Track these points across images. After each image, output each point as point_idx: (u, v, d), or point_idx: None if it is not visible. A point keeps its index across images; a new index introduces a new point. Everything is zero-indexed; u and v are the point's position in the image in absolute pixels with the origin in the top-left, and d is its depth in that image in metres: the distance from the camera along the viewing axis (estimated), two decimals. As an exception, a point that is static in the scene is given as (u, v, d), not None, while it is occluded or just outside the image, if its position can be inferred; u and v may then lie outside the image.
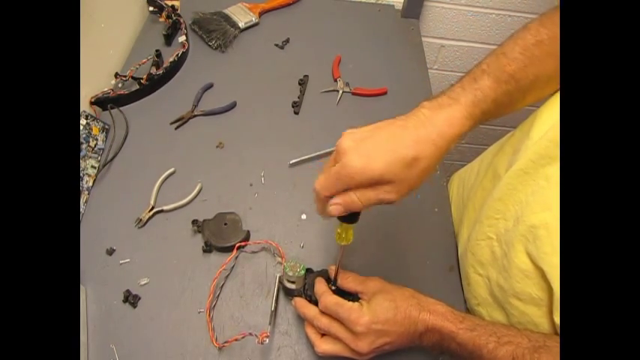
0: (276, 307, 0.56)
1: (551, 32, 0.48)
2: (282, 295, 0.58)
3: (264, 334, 0.50)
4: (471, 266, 0.60)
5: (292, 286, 0.54)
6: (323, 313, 0.50)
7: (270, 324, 0.54)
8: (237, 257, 0.61)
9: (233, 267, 0.60)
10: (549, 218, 0.46)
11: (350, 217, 0.45)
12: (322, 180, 0.43)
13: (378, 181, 0.40)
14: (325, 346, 0.50)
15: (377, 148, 0.41)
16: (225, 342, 0.52)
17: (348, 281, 0.53)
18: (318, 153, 0.71)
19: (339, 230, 0.49)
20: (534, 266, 0.48)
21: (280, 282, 0.56)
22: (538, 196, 0.49)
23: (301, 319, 0.56)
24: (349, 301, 0.50)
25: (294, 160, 0.70)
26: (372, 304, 0.48)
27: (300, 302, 0.53)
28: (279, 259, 0.60)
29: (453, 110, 0.43)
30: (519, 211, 0.51)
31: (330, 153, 0.71)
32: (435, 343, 0.48)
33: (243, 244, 0.61)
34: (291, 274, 0.53)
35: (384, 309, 0.48)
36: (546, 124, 0.51)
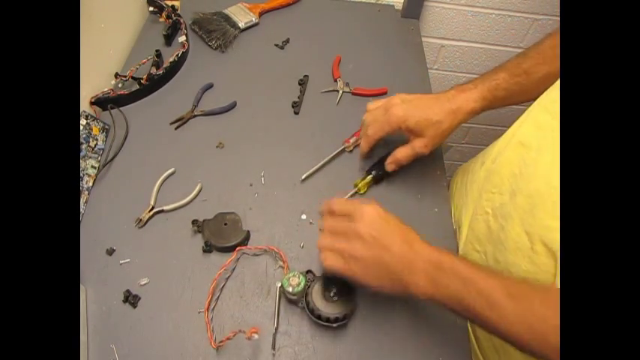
0: (278, 311, 0.56)
1: None
2: (283, 295, 0.58)
3: (253, 330, 0.49)
4: (469, 243, 0.62)
5: (293, 298, 0.55)
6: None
7: (275, 327, 0.54)
8: (238, 259, 0.61)
9: (234, 268, 0.60)
10: (542, 186, 0.49)
11: (378, 178, 0.68)
12: (370, 118, 0.64)
13: (412, 131, 0.60)
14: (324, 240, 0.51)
15: (415, 108, 0.60)
16: (220, 342, 0.52)
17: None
18: (324, 160, 0.71)
19: (359, 182, 0.68)
20: (528, 239, 0.50)
21: (282, 291, 0.56)
22: (531, 167, 0.52)
23: (301, 320, 0.56)
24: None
25: (305, 175, 0.69)
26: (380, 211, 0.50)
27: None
28: (281, 263, 0.60)
29: (472, 93, 0.60)
30: (514, 185, 0.54)
31: (333, 157, 0.71)
32: (429, 277, 0.45)
33: (243, 248, 0.60)
34: (290, 289, 0.53)
35: (389, 220, 0.50)
36: (541, 104, 0.56)
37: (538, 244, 0.49)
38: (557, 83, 0.54)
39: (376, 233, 0.47)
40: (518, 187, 0.53)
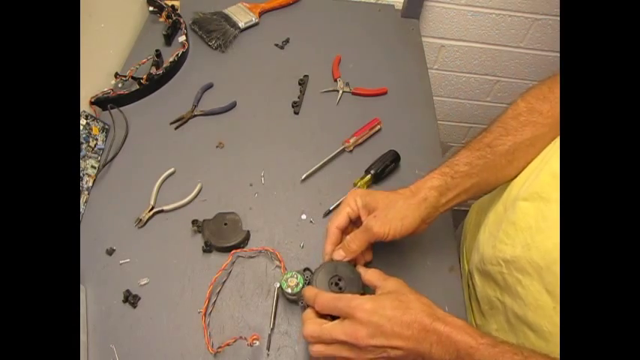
0: (275, 311, 0.56)
1: (529, 105, 0.56)
2: (282, 295, 0.58)
3: (254, 337, 0.50)
4: (490, 288, 0.59)
5: (293, 298, 0.55)
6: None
7: (271, 328, 0.54)
8: (233, 262, 0.60)
9: (232, 268, 0.60)
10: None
11: (377, 177, 0.68)
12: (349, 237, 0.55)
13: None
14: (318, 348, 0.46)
15: (390, 218, 0.53)
16: (219, 347, 0.52)
17: (370, 273, 0.50)
18: (324, 160, 0.71)
19: (358, 181, 0.68)
20: (551, 298, 0.47)
21: (281, 291, 0.56)
22: (549, 221, 0.48)
23: (300, 320, 0.56)
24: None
25: (305, 175, 0.69)
26: (381, 297, 0.45)
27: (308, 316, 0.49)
28: (278, 263, 0.60)
29: (429, 174, 0.55)
30: (529, 238, 0.50)
31: (333, 157, 0.71)
32: (448, 359, 0.42)
33: (238, 251, 0.60)
34: (289, 291, 0.53)
35: (393, 306, 0.43)
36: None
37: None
38: None
39: (379, 342, 0.42)
40: (534, 240, 0.50)
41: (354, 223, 0.56)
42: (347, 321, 0.44)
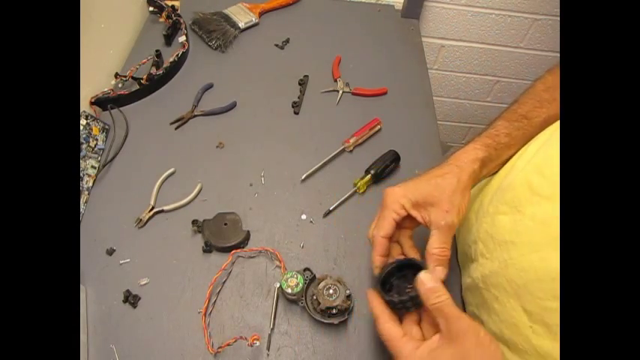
0: (275, 311, 0.56)
1: (557, 79, 0.55)
2: (282, 295, 0.58)
3: (254, 337, 0.50)
4: (469, 304, 0.58)
5: (293, 298, 0.55)
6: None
7: (271, 328, 0.54)
8: (233, 263, 0.60)
9: (232, 268, 0.60)
10: (537, 262, 0.43)
11: (377, 177, 0.68)
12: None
13: (420, 205, 0.49)
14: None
15: (411, 182, 0.51)
16: (219, 347, 0.52)
17: (440, 307, 0.41)
18: (324, 160, 0.71)
19: (358, 181, 0.68)
20: (527, 317, 0.45)
21: (281, 291, 0.56)
22: (525, 236, 0.46)
23: (301, 321, 0.56)
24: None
25: (305, 175, 0.69)
26: (436, 353, 0.39)
27: (375, 301, 0.46)
28: (278, 263, 0.60)
29: (471, 145, 0.52)
30: (506, 253, 0.48)
31: (333, 157, 0.71)
32: None
33: (239, 251, 0.60)
34: (289, 291, 0.53)
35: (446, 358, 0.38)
36: (530, 153, 0.51)
37: (538, 325, 0.43)
38: (548, 139, 0.49)
39: None
40: (510, 256, 0.47)
41: (400, 225, 0.51)
42: None
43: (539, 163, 0.48)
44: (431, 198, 0.47)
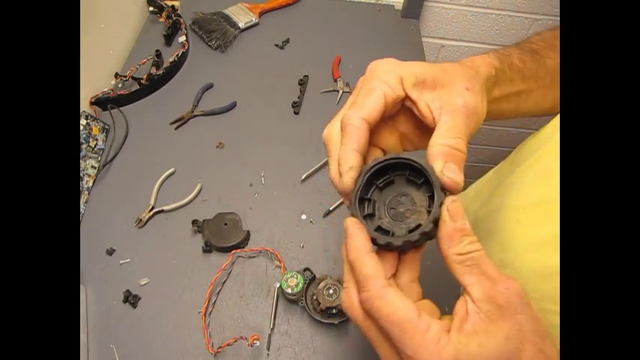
0: (275, 311, 0.56)
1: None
2: (282, 295, 0.58)
3: (254, 337, 0.50)
4: None
5: (293, 298, 0.55)
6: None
7: (271, 328, 0.54)
8: (233, 263, 0.60)
9: (232, 268, 0.60)
10: (533, 263, 0.42)
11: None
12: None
13: (427, 84, 0.32)
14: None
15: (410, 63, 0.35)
16: (219, 347, 0.52)
17: (477, 260, 0.27)
18: (324, 160, 0.71)
19: None
20: None
21: (281, 291, 0.56)
22: (519, 236, 0.45)
23: (301, 321, 0.56)
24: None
25: (305, 175, 0.69)
26: (486, 339, 0.25)
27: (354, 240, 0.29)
28: (278, 263, 0.60)
29: (483, 55, 0.40)
30: (502, 254, 0.46)
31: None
32: None
33: (239, 251, 0.60)
34: (289, 291, 0.53)
35: (498, 344, 0.25)
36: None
37: None
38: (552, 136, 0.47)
39: None
40: (507, 256, 0.44)
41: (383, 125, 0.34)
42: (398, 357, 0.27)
43: (544, 169, 0.47)
44: (442, 78, 0.32)
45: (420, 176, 0.30)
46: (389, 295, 0.26)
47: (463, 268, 0.27)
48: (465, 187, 0.59)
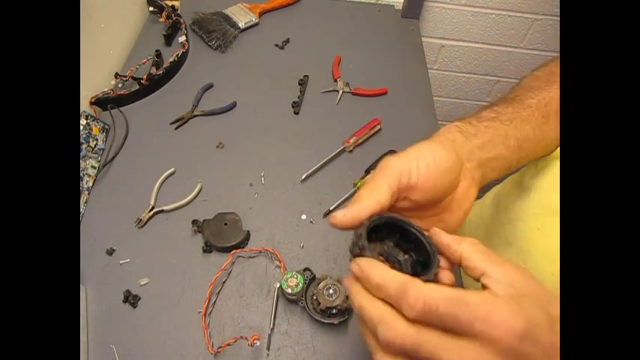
0: (275, 311, 0.56)
1: (543, 73, 0.49)
2: (282, 295, 0.58)
3: (255, 337, 0.50)
4: None
5: (293, 298, 0.55)
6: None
7: (271, 328, 0.54)
8: (233, 263, 0.61)
9: (232, 268, 0.60)
10: (546, 265, 0.43)
11: None
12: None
13: (418, 189, 0.37)
14: None
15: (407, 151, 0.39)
16: (219, 347, 0.52)
17: (483, 252, 0.30)
18: (324, 160, 0.71)
19: (358, 181, 0.67)
20: None
21: (281, 291, 0.56)
22: (528, 242, 0.46)
23: (301, 321, 0.56)
24: None
25: (305, 175, 0.69)
26: (529, 306, 0.26)
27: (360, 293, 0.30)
28: (278, 263, 0.60)
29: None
30: (521, 262, 0.47)
31: (333, 157, 0.71)
32: None
33: (239, 251, 0.60)
34: (289, 291, 0.54)
35: (547, 323, 0.26)
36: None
37: None
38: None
39: None
40: (527, 266, 0.45)
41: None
42: (472, 345, 0.25)
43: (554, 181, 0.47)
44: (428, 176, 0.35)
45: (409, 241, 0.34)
46: (432, 285, 0.27)
47: (476, 262, 0.29)
48: (482, 194, 0.59)
